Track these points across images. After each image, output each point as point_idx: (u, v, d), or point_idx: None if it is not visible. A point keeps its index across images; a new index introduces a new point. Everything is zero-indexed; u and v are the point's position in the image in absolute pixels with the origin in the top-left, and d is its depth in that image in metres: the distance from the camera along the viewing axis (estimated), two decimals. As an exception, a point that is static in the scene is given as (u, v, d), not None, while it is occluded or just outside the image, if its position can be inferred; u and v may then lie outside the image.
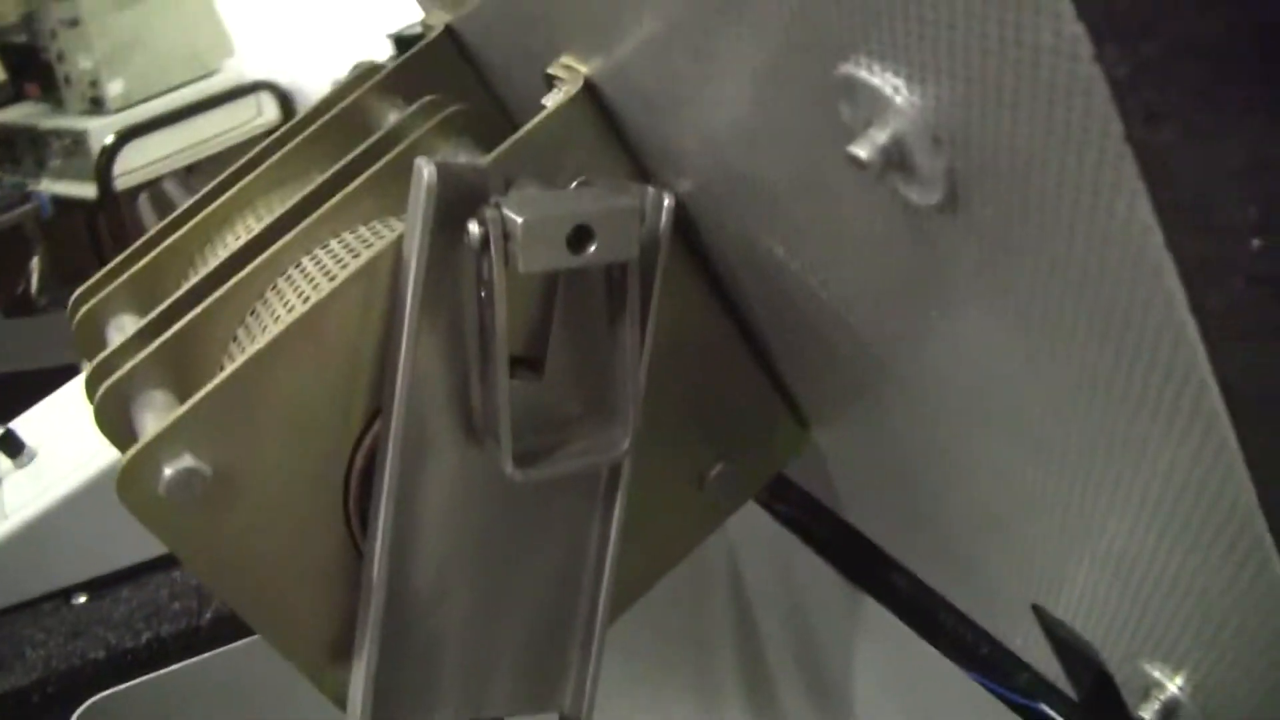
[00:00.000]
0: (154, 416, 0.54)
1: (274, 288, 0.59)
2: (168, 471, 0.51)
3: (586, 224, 0.51)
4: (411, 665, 0.59)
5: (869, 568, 0.77)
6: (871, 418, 0.61)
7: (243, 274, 0.59)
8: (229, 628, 0.79)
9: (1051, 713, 0.66)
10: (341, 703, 0.58)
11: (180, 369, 0.57)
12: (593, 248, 0.51)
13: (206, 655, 0.78)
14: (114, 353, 0.60)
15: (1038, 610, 0.57)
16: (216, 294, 0.58)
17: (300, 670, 0.59)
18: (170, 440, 0.51)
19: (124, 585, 0.84)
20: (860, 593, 0.77)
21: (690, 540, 0.67)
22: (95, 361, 0.61)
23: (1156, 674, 0.50)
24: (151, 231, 0.70)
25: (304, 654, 0.58)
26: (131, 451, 0.51)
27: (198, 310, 0.58)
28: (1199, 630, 0.46)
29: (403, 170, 0.54)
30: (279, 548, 0.56)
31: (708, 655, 0.95)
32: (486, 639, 0.61)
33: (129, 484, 0.51)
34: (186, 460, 0.51)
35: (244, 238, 0.63)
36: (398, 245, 0.53)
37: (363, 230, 0.60)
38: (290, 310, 0.55)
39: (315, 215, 0.60)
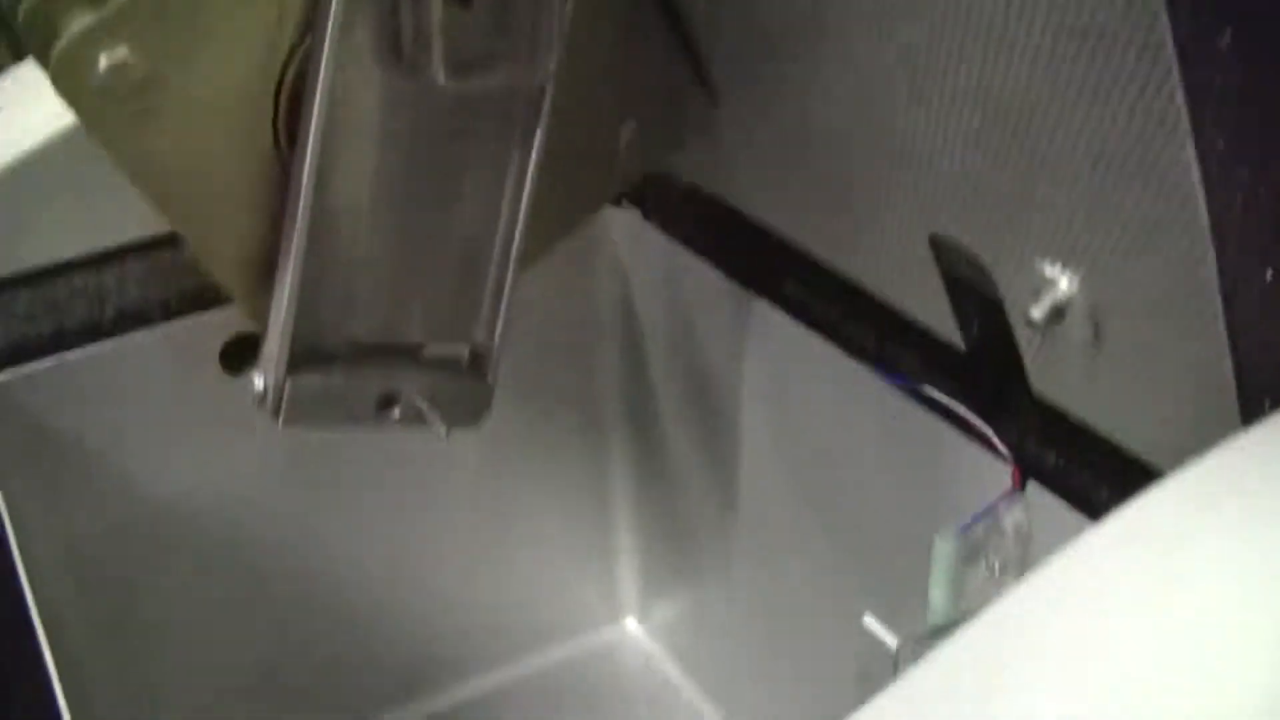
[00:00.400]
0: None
1: None
2: (103, 61, 0.52)
3: None
4: (331, 283, 0.61)
5: (761, 275, 0.81)
6: (787, 79, 0.66)
7: None
8: (132, 322, 0.80)
9: (936, 393, 0.71)
10: (262, 320, 0.61)
11: None
12: None
13: (109, 342, 0.79)
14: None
15: (935, 243, 0.62)
16: None
17: (223, 284, 0.61)
18: (109, 30, 0.52)
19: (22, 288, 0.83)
20: (753, 297, 0.82)
21: (600, 196, 0.70)
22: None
23: (1047, 272, 0.55)
24: None
25: (227, 269, 0.61)
26: (69, 36, 0.52)
27: None
28: (1090, 219, 0.52)
29: None
30: (207, 156, 0.58)
31: (593, 377, 0.99)
32: (405, 265, 0.63)
33: (64, 70, 0.52)
34: (122, 53, 0.52)
35: None
36: None
37: None
38: None
39: None
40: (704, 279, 0.86)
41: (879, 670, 0.70)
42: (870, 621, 0.73)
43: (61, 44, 0.52)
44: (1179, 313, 0.51)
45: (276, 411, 0.60)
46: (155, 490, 0.83)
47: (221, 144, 0.58)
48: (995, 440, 0.67)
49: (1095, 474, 0.64)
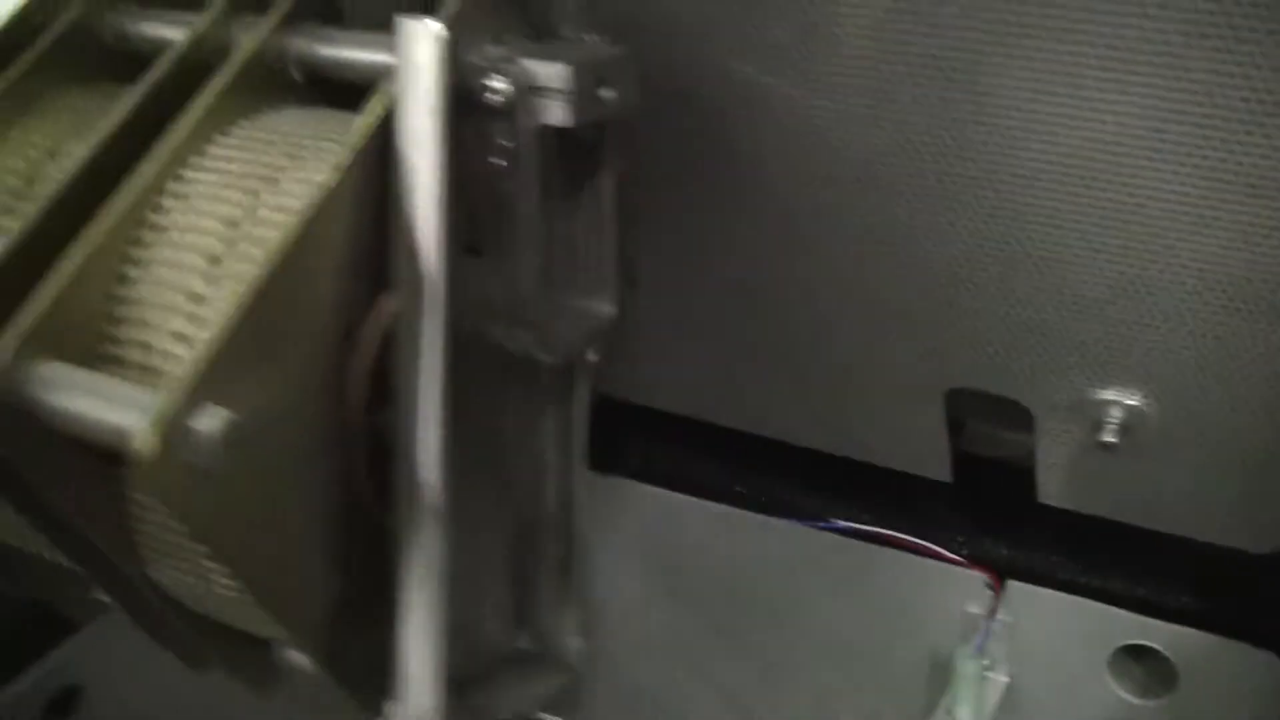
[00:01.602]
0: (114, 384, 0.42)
1: (154, 216, 0.47)
2: (204, 428, 0.39)
3: (606, 71, 0.48)
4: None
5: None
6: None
7: (117, 209, 0.46)
8: None
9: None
10: (331, 664, 0.51)
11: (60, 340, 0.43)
12: (611, 96, 0.49)
13: None
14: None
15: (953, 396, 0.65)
16: (87, 241, 0.45)
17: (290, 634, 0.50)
18: (200, 391, 0.40)
19: None
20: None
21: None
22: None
23: (1110, 395, 0.60)
24: None
25: (301, 618, 0.49)
26: (154, 418, 0.38)
27: (72, 264, 0.44)
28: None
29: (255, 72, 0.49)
30: (292, 499, 0.47)
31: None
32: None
33: (157, 463, 0.38)
34: (218, 412, 0.40)
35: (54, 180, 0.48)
36: (377, 125, 0.45)
37: (242, 134, 0.50)
38: (258, 223, 0.46)
39: (182, 132, 0.48)
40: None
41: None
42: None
43: (148, 432, 0.38)
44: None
45: None
46: None
47: (302, 479, 0.47)
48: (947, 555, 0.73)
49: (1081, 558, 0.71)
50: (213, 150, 0.49)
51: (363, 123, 0.46)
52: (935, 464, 0.69)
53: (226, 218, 0.46)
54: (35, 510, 0.48)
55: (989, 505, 0.72)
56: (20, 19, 0.55)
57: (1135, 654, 0.71)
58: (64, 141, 0.52)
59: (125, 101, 0.49)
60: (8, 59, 0.54)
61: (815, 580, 0.77)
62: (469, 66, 0.46)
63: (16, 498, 0.47)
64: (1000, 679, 0.73)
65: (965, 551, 0.73)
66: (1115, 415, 0.60)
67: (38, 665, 0.69)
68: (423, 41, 0.44)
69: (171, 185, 0.47)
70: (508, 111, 0.47)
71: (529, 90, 0.47)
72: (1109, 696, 0.73)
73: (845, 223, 0.61)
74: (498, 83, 0.46)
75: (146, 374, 0.44)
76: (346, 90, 0.52)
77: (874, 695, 0.79)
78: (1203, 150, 0.51)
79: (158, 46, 0.55)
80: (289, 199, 0.46)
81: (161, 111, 0.50)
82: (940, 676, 0.74)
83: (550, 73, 0.47)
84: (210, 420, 0.39)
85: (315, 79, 0.52)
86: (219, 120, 0.49)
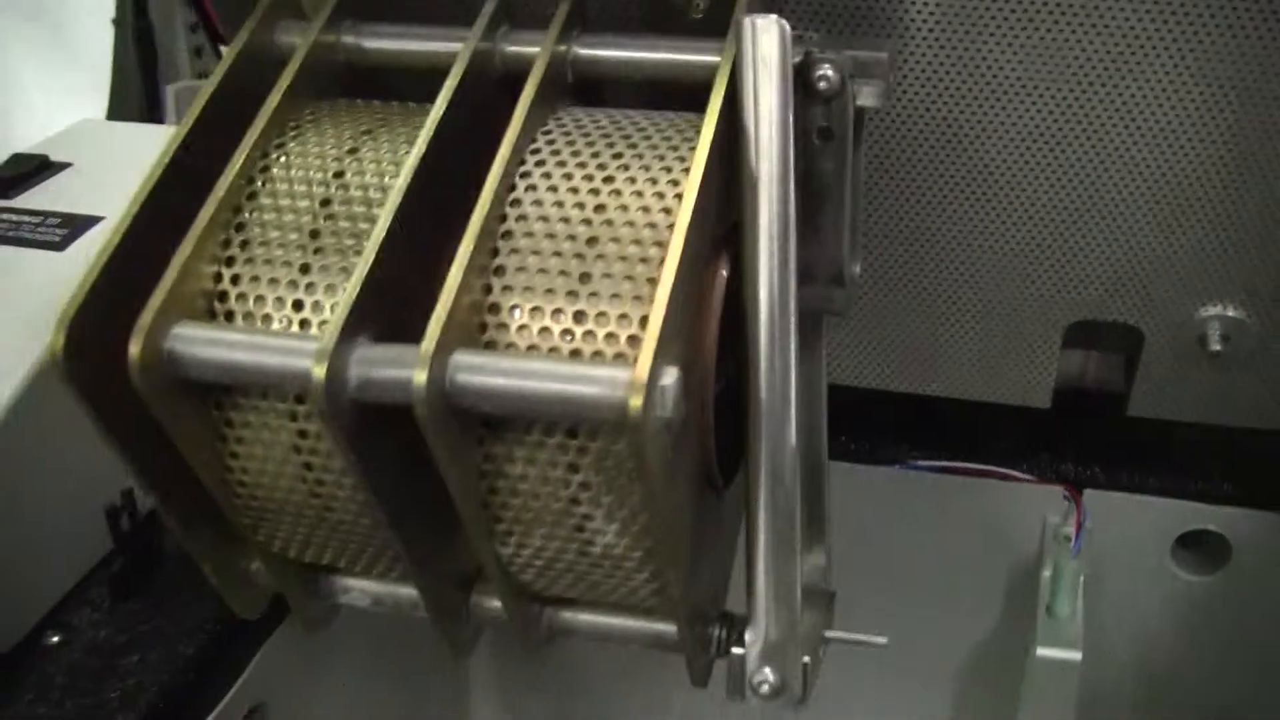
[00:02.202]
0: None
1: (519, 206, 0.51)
2: (668, 383, 0.44)
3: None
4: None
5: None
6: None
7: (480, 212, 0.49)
8: None
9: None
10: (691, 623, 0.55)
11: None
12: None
13: None
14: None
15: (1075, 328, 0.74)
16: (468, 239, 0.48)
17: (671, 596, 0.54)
18: (660, 355, 0.44)
19: None
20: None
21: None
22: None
23: (1214, 311, 0.71)
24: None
25: (682, 579, 0.53)
26: (633, 380, 0.43)
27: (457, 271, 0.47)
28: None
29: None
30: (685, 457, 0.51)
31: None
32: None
33: (642, 420, 0.43)
34: (671, 371, 0.44)
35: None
36: (721, 108, 0.50)
37: (571, 122, 0.54)
38: (615, 209, 0.50)
39: (512, 134, 0.52)
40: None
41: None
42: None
43: (634, 395, 0.43)
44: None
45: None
46: None
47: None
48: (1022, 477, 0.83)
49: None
50: (542, 149, 0.53)
51: (712, 109, 0.50)
52: (1040, 394, 0.78)
53: (582, 204, 0.50)
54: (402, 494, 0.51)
55: (1075, 426, 0.82)
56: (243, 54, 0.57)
57: (1195, 537, 0.83)
58: (356, 151, 0.54)
59: (433, 114, 0.53)
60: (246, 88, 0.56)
61: (907, 516, 0.86)
62: (805, 55, 0.52)
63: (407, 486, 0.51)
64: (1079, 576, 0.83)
65: (1048, 471, 0.82)
66: (1217, 328, 0.71)
67: (235, 687, 0.70)
68: (769, 34, 0.49)
69: (518, 182, 0.51)
70: (833, 95, 0.53)
71: (850, 76, 0.53)
72: (1173, 579, 0.84)
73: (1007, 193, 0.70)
74: (828, 70, 0.52)
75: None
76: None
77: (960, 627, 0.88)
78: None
79: (398, 60, 0.59)
80: (647, 185, 0.50)
81: (459, 121, 0.53)
82: (1027, 583, 0.84)
83: (872, 60, 0.53)
84: (669, 378, 0.44)
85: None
86: (534, 123, 0.53)
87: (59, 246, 0.78)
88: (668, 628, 0.57)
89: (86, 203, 0.82)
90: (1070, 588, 0.80)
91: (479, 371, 0.46)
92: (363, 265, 0.48)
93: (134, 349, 0.48)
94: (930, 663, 0.92)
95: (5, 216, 0.81)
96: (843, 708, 0.91)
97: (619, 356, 0.47)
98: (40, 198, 0.84)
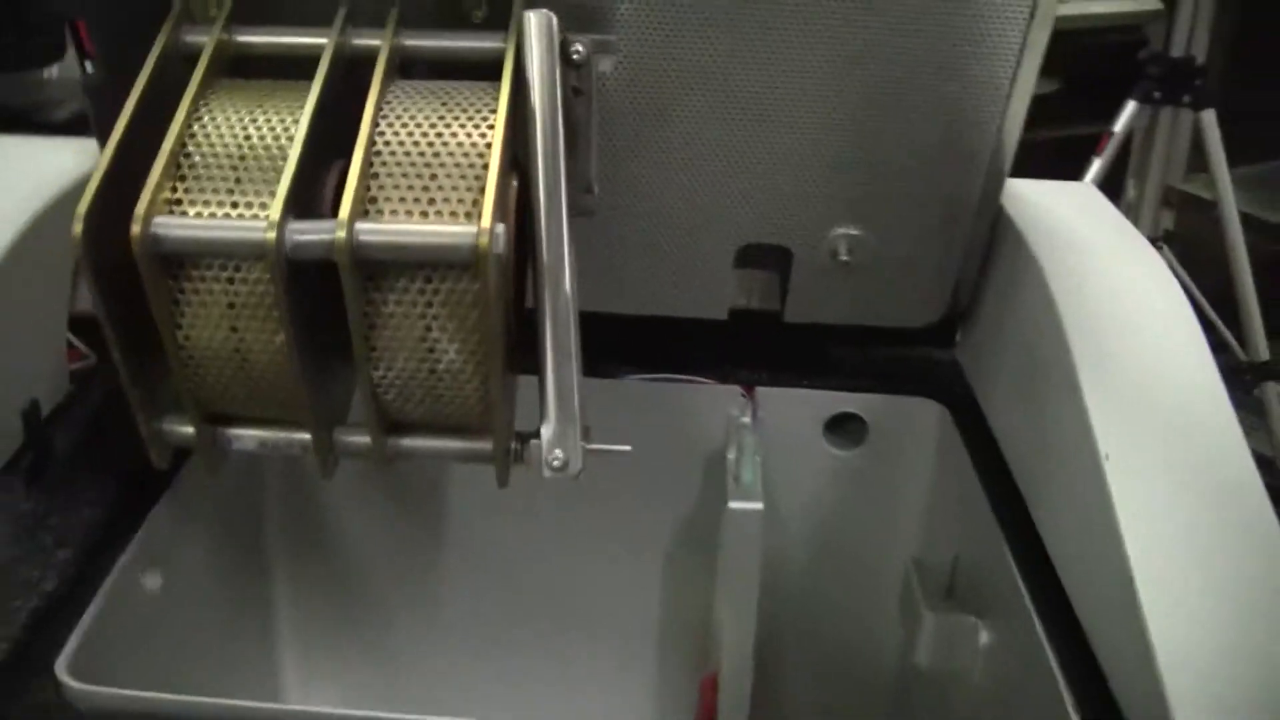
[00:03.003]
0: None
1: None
2: (500, 233, 0.70)
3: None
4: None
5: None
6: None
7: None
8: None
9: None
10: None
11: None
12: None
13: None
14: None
15: (743, 251, 1.05)
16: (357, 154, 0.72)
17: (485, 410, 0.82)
18: (494, 216, 0.70)
19: None
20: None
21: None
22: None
23: (844, 231, 1.03)
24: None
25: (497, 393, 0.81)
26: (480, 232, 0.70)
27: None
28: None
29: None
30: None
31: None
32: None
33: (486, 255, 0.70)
34: (500, 226, 0.71)
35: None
36: (513, 77, 0.76)
37: (410, 87, 0.79)
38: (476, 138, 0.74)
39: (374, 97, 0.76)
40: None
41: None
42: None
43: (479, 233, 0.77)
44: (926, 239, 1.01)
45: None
46: None
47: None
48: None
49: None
50: (394, 104, 0.78)
51: (506, 74, 0.78)
52: (719, 308, 1.08)
53: (427, 136, 0.76)
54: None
55: (747, 335, 1.11)
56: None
57: (840, 419, 1.14)
58: (262, 105, 0.78)
59: (316, 79, 0.77)
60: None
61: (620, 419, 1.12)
62: (564, 36, 0.80)
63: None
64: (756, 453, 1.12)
65: (728, 375, 1.11)
66: (844, 243, 1.02)
67: (134, 543, 0.90)
68: (542, 21, 0.77)
69: (382, 126, 0.76)
70: (582, 64, 0.81)
71: (594, 51, 0.81)
72: (826, 453, 1.14)
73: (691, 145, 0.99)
74: (579, 46, 0.80)
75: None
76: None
77: (670, 499, 1.16)
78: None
79: (277, 50, 0.83)
80: (469, 122, 0.76)
81: (332, 86, 0.78)
82: (717, 466, 1.12)
83: (606, 40, 0.82)
84: (500, 228, 0.71)
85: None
86: (385, 87, 0.78)
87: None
88: (481, 444, 0.82)
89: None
90: (750, 460, 1.08)
91: (375, 234, 0.71)
92: (288, 169, 0.72)
93: (135, 230, 0.70)
94: (644, 537, 1.19)
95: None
96: (570, 567, 1.18)
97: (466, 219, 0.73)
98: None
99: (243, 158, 0.75)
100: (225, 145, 0.75)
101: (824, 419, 1.13)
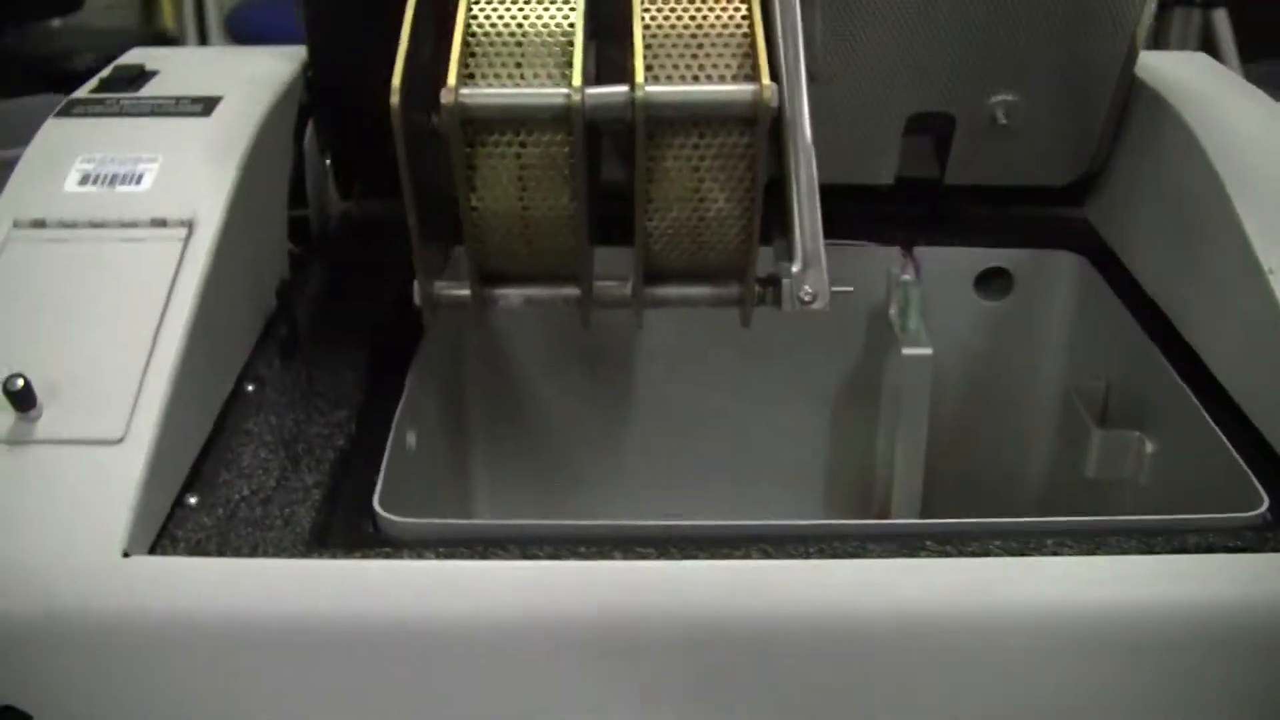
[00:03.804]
0: None
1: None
2: (774, 91, 0.82)
3: None
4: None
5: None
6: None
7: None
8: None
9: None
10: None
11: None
12: None
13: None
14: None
15: (911, 120, 1.17)
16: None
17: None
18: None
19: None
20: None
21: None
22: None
23: (1000, 96, 1.15)
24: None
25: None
26: (765, 87, 0.81)
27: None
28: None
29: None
30: None
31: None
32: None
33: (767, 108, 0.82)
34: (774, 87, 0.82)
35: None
36: None
37: None
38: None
39: None
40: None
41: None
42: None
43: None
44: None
45: None
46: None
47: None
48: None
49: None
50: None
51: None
52: (886, 173, 1.20)
53: (692, 15, 0.88)
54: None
55: (909, 197, 1.24)
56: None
57: (988, 275, 1.26)
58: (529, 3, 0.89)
59: None
60: None
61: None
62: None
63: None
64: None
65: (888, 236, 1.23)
66: (1002, 108, 1.14)
67: (401, 402, 1.02)
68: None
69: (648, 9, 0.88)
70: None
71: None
72: (976, 304, 1.27)
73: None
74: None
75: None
76: None
77: (836, 353, 1.29)
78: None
79: None
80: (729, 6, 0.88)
81: None
82: (879, 323, 1.25)
83: None
84: (774, 89, 0.83)
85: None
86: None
87: (204, 115, 1.08)
88: (728, 290, 0.94)
89: (199, 89, 1.11)
90: (916, 309, 1.21)
91: (663, 95, 0.82)
92: (578, 45, 0.83)
93: (446, 99, 0.81)
94: (813, 389, 1.32)
95: (144, 101, 1.10)
96: (744, 419, 1.31)
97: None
98: (159, 89, 1.13)
99: (519, 43, 0.86)
100: (505, 30, 0.87)
101: (974, 274, 1.25)
